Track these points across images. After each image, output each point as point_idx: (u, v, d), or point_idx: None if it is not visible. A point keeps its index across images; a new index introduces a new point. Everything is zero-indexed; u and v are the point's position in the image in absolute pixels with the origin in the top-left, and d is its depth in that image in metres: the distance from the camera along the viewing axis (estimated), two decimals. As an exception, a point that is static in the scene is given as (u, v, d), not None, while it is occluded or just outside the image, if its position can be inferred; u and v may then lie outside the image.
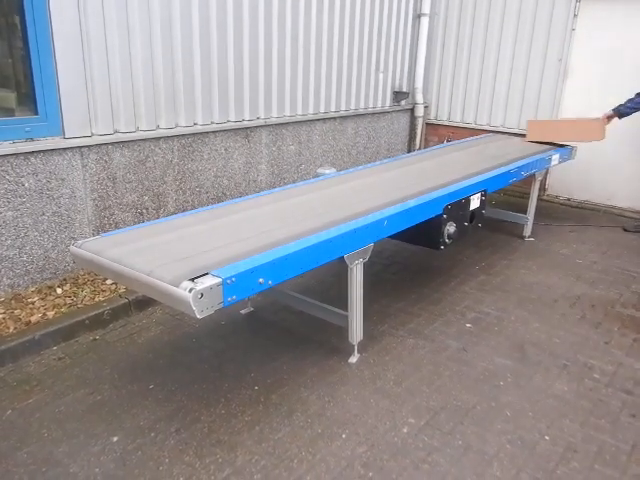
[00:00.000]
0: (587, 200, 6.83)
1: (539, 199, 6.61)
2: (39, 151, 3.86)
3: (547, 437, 2.82)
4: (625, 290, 4.55)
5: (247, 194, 5.51)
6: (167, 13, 4.40)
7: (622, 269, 4.99)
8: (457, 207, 3.95)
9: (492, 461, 2.65)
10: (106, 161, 4.28)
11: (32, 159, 3.85)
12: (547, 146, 5.93)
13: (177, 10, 4.46)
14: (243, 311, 4.05)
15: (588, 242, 5.65)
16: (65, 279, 4.18)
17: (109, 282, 4.18)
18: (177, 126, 4.72)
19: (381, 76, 6.97)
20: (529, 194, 5.57)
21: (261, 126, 5.50)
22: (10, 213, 3.81)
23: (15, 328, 3.51)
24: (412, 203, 3.58)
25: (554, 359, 3.52)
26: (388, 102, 7.23)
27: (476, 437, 2.81)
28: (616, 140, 6.44)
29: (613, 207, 6.63)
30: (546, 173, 6.84)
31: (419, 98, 7.56)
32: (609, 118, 5.67)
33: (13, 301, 3.82)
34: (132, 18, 4.18)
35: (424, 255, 5.18)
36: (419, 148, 7.78)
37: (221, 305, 2.43)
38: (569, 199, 6.96)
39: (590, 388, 3.23)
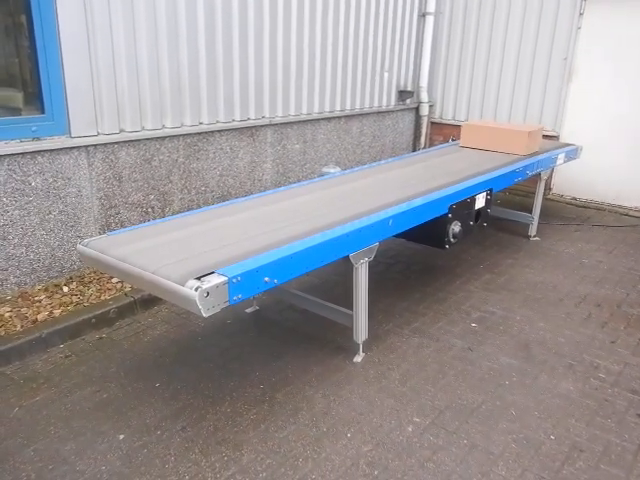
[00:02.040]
0: (592, 199, 6.81)
1: (544, 198, 6.60)
2: (46, 150, 3.88)
3: (552, 436, 2.82)
4: (631, 289, 4.54)
5: (252, 193, 5.52)
6: (173, 13, 4.41)
7: (628, 268, 4.97)
8: (462, 206, 3.95)
9: (497, 460, 2.65)
10: (112, 160, 4.30)
11: (39, 158, 3.87)
12: (552, 145, 5.92)
13: (182, 10, 4.47)
14: (248, 310, 4.06)
15: (593, 241, 5.63)
16: (71, 277, 4.20)
17: (115, 281, 4.20)
18: (182, 125, 4.73)
19: (386, 75, 6.97)
20: (534, 193, 5.56)
21: (266, 125, 5.51)
22: (17, 212, 3.83)
23: (22, 326, 3.53)
24: (417, 202, 3.58)
25: (559, 358, 3.52)
26: (393, 101, 7.22)
27: (481, 436, 2.81)
28: (621, 139, 6.42)
29: (618, 206, 6.61)
30: (551, 172, 6.82)
31: (424, 97, 7.55)
32: None
33: (20, 299, 3.85)
34: (138, 18, 4.19)
35: (429, 254, 5.18)
36: (424, 147, 7.77)
37: (227, 304, 2.44)
38: (574, 198, 6.94)
39: (596, 387, 3.23)
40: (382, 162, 4.98)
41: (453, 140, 7.36)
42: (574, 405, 3.07)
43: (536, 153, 5.31)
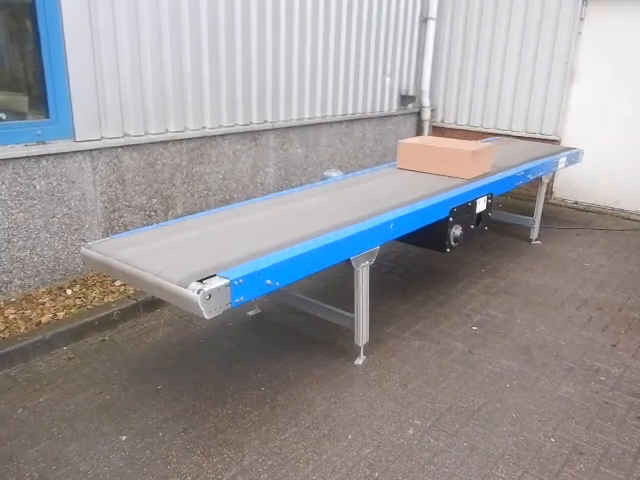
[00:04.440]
0: (593, 203, 6.82)
1: (546, 202, 6.62)
2: (50, 154, 3.92)
3: (553, 439, 2.83)
4: (632, 293, 4.54)
5: (254, 197, 5.54)
6: (176, 18, 4.45)
7: (629, 272, 4.98)
8: (463, 210, 3.97)
9: (497, 463, 2.66)
10: (116, 164, 4.33)
11: (43, 162, 3.90)
12: (554, 149, 5.94)
13: (186, 16, 4.51)
14: (250, 313, 4.08)
15: (595, 245, 5.64)
16: (75, 280, 4.23)
17: (118, 283, 4.23)
18: (186, 129, 4.77)
19: (388, 80, 7.00)
20: (536, 197, 5.58)
21: (269, 129, 5.54)
22: (22, 215, 3.86)
23: (26, 328, 3.56)
24: (418, 206, 3.60)
25: (560, 362, 3.53)
26: (395, 105, 7.25)
27: (482, 439, 2.82)
28: (622, 143, 6.44)
29: (620, 210, 6.62)
30: (553, 176, 6.83)
31: (426, 101, 7.58)
32: None
33: (24, 302, 3.87)
34: (142, 23, 4.23)
35: (430, 257, 5.19)
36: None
37: (229, 306, 2.46)
38: (576, 202, 6.95)
39: (596, 391, 3.24)
40: (294, 190, 4.09)
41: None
42: (574, 408, 3.08)
43: (487, 174, 4.54)
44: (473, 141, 4.95)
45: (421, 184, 4.21)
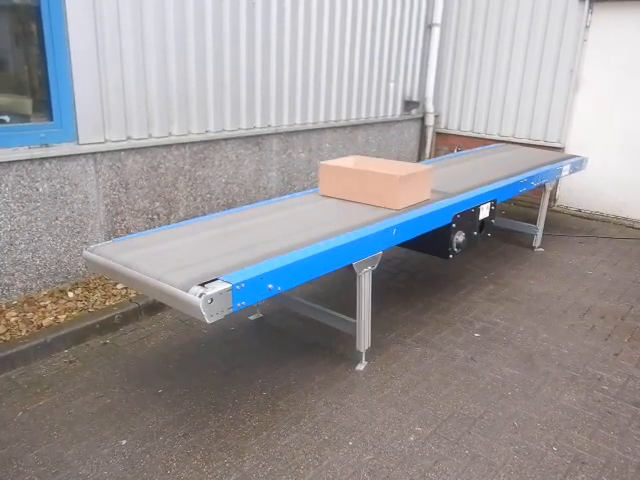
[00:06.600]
0: (597, 211, 6.81)
1: (549, 210, 6.60)
2: (53, 157, 3.92)
3: (555, 448, 2.81)
4: (636, 302, 4.52)
5: (257, 201, 5.55)
6: (181, 23, 4.47)
7: (632, 281, 4.96)
8: (466, 216, 3.96)
9: (499, 471, 2.64)
10: (119, 167, 4.34)
11: (47, 164, 3.91)
12: (558, 156, 5.94)
13: (191, 20, 4.53)
14: (252, 317, 4.07)
15: (598, 253, 5.63)
16: (77, 283, 4.23)
17: (120, 286, 4.22)
18: (189, 133, 4.77)
19: (392, 85, 7.01)
20: (539, 204, 5.57)
21: (272, 134, 5.55)
22: (24, 217, 3.87)
23: (27, 331, 3.55)
24: (421, 212, 3.59)
25: (563, 370, 3.51)
26: (399, 111, 7.26)
27: (483, 447, 2.80)
28: (627, 151, 6.43)
29: (624, 218, 6.60)
30: (556, 184, 6.82)
31: (429, 107, 7.59)
32: None
33: (26, 304, 3.87)
34: (147, 28, 4.25)
35: (433, 264, 5.18)
36: (429, 157, 7.79)
37: (230, 310, 2.46)
38: (579, 210, 6.94)
39: (599, 400, 3.22)
40: (184, 223, 3.38)
41: (458, 150, 7.41)
42: (577, 417, 3.06)
43: (425, 202, 3.82)
44: (410, 163, 4.20)
45: (333, 218, 3.47)
